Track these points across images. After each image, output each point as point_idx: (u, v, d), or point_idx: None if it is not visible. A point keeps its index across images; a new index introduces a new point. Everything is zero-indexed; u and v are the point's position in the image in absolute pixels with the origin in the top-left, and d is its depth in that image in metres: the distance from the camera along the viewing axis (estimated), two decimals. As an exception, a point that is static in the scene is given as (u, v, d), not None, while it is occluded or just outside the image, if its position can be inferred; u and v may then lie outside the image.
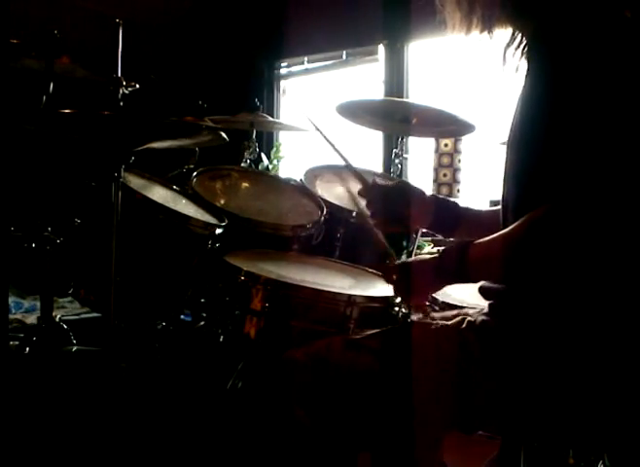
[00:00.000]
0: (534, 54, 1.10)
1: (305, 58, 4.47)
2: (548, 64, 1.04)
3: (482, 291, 1.18)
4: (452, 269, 1.12)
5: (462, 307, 1.39)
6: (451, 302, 1.52)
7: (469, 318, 1.16)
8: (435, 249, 2.78)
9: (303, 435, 1.15)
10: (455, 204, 1.41)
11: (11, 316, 2.42)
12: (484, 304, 1.19)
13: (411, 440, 1.11)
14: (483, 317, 1.15)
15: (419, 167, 3.70)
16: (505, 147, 1.17)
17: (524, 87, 1.11)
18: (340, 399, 1.15)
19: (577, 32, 1.01)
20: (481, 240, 1.11)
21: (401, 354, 1.14)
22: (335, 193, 2.24)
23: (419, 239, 2.32)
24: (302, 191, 2.23)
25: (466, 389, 1.09)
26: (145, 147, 1.62)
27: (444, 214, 1.38)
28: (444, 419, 1.12)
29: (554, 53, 1.03)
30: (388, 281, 1.26)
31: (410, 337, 1.16)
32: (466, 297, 1.50)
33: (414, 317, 1.31)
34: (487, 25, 1.12)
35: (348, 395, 1.15)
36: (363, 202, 1.43)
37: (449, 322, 1.18)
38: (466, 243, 1.12)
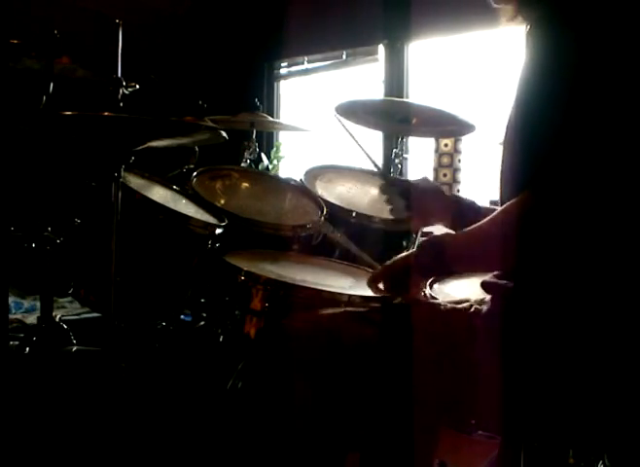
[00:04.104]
0: (534, 42, 1.10)
1: (305, 58, 4.46)
2: (545, 54, 1.04)
3: (485, 285, 1.19)
4: (428, 263, 1.15)
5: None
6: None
7: (476, 306, 1.17)
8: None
9: (304, 406, 1.13)
10: (474, 202, 1.43)
11: (11, 316, 2.41)
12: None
13: (409, 423, 1.10)
14: (488, 307, 1.15)
15: (419, 167, 3.70)
16: (501, 147, 1.17)
17: (519, 83, 1.11)
18: (340, 369, 1.13)
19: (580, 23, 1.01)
20: (462, 232, 1.15)
21: (404, 329, 1.13)
22: (335, 193, 2.24)
23: (419, 239, 2.31)
24: (302, 191, 2.23)
25: (465, 375, 1.09)
26: (145, 146, 1.62)
27: (466, 212, 1.40)
28: (442, 405, 1.12)
29: (553, 42, 1.03)
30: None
31: (416, 314, 1.16)
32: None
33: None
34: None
35: (348, 366, 1.13)
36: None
37: (458, 306, 1.19)
38: (441, 237, 1.16)
